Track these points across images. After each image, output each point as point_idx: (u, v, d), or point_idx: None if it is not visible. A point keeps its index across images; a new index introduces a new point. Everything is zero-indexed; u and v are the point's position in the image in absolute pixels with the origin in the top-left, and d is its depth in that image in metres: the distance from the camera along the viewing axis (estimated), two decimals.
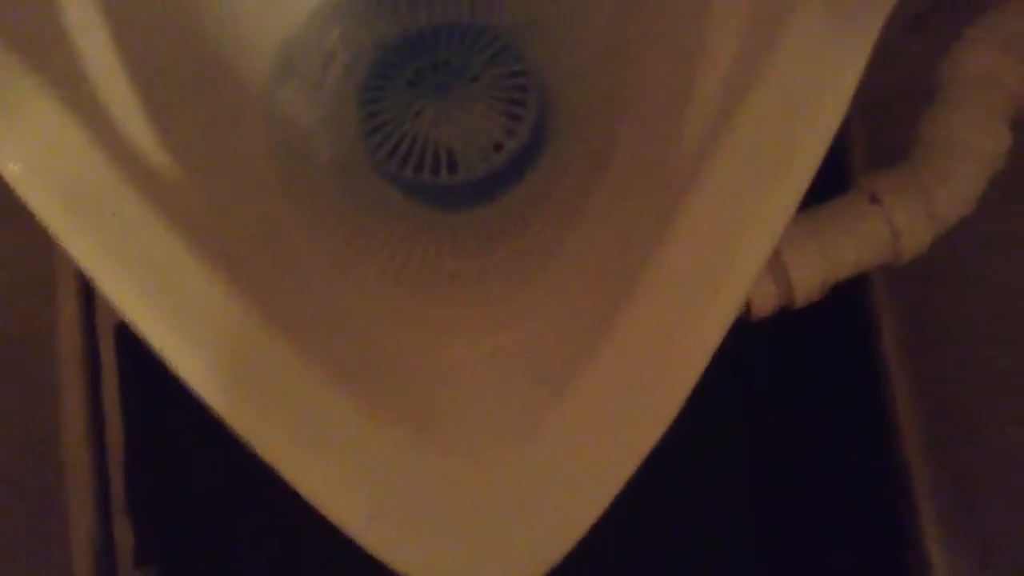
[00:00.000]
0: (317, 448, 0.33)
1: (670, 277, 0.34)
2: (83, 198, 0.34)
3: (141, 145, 0.37)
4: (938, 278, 0.78)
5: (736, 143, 0.34)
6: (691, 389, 0.33)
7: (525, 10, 0.48)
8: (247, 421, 0.34)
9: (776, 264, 0.62)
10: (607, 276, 0.39)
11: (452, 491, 0.33)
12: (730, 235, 0.34)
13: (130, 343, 0.95)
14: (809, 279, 0.61)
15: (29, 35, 0.34)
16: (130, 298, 0.35)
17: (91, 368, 0.92)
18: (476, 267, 0.45)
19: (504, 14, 0.48)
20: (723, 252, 0.34)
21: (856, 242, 0.61)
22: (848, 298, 0.90)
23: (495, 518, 0.32)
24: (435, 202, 0.48)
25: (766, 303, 0.63)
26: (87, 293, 0.95)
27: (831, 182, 0.62)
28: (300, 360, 0.34)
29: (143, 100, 0.38)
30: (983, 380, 0.74)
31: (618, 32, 0.46)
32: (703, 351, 0.34)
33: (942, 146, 0.59)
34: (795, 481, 0.89)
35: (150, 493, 0.91)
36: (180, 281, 0.34)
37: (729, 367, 0.91)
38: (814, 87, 0.34)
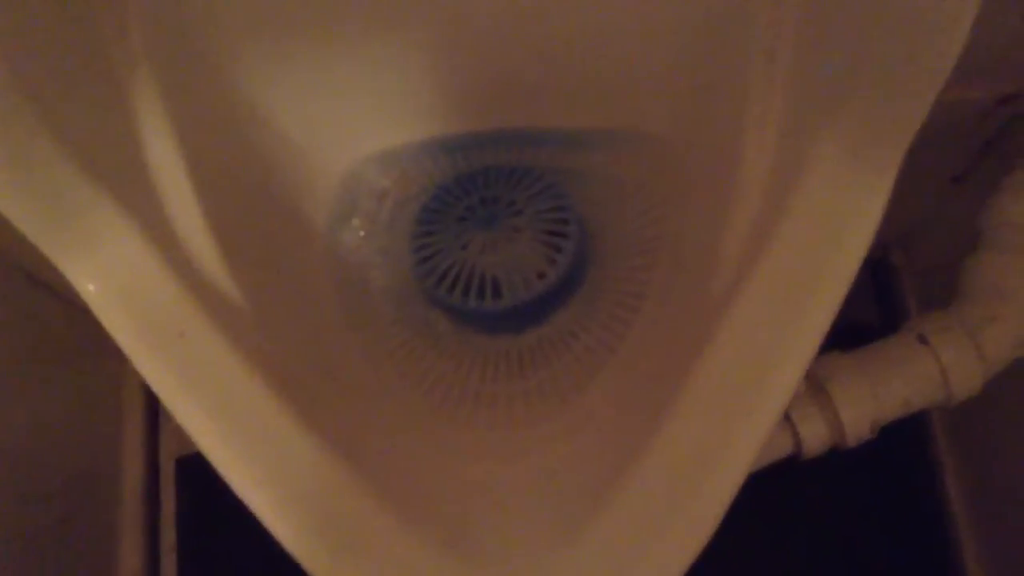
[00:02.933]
0: (358, 562, 0.34)
1: (703, 402, 0.35)
2: (153, 319, 0.37)
3: (210, 273, 0.40)
4: (998, 417, 0.77)
5: (764, 277, 0.36)
6: (726, 507, 0.34)
7: (567, 157, 0.52)
8: (288, 529, 0.35)
9: (826, 404, 0.62)
10: (641, 402, 0.40)
11: None
12: (761, 362, 0.35)
13: (189, 476, 0.97)
14: (859, 419, 0.61)
15: (113, 170, 0.38)
16: (191, 414, 0.36)
17: (150, 501, 0.95)
18: (518, 390, 0.47)
19: (549, 159, 0.52)
20: (755, 379, 0.35)
21: (906, 382, 0.61)
22: (908, 437, 0.89)
23: None
24: (480, 327, 0.50)
25: (817, 443, 0.63)
26: (152, 428, 0.98)
27: (886, 328, 0.63)
28: (345, 472, 0.35)
29: (214, 231, 0.41)
30: None
31: (654, 178, 0.48)
32: (737, 472, 0.34)
33: (986, 290, 0.60)
34: None
35: None
36: (239, 400, 0.36)
37: (790, 507, 0.90)
38: (839, 221, 0.36)
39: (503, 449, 0.44)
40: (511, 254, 0.49)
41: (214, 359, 0.37)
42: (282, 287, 0.46)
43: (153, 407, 0.97)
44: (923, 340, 0.60)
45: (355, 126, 0.52)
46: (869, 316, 0.97)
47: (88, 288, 0.37)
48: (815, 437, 0.61)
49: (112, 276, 0.37)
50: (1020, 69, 0.63)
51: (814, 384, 0.62)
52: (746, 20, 0.40)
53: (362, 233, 0.52)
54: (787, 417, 0.62)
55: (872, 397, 0.60)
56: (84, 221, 0.37)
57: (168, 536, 0.94)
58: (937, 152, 0.74)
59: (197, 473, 0.95)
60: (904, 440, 0.89)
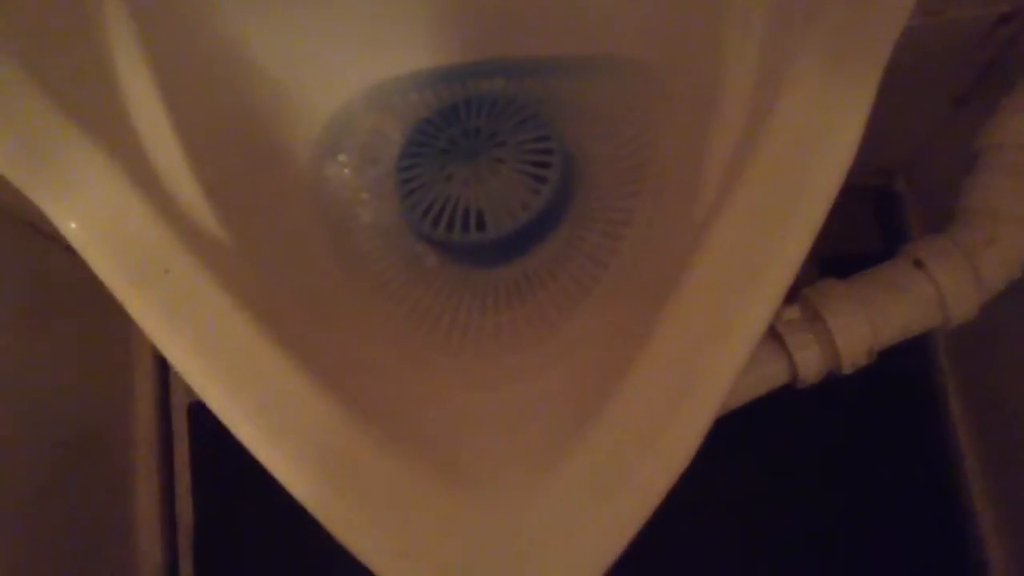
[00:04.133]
0: (346, 489, 0.35)
1: (683, 325, 0.35)
2: (137, 256, 0.37)
3: (193, 210, 0.41)
4: (1002, 338, 0.77)
5: (745, 199, 0.35)
6: (707, 427, 0.34)
7: (549, 86, 0.51)
8: (279, 460, 0.35)
9: (821, 331, 0.62)
10: (626, 327, 0.40)
11: (474, 528, 0.34)
12: (741, 284, 0.35)
13: (201, 422, 0.98)
14: (855, 345, 0.61)
15: (90, 108, 0.38)
16: (179, 350, 0.37)
17: (164, 448, 0.96)
18: (505, 320, 0.47)
19: (532, 89, 0.51)
20: (734, 301, 0.35)
21: (902, 307, 0.61)
22: (911, 361, 0.90)
23: (514, 554, 0.33)
24: (466, 260, 0.51)
25: (813, 370, 0.63)
26: (162, 376, 0.99)
27: (890, 253, 0.62)
28: (333, 404, 0.36)
29: (195, 169, 0.41)
30: None
31: (637, 105, 0.48)
32: (716, 392, 0.34)
33: (984, 212, 0.59)
34: (860, 547, 0.88)
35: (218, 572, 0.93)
36: (225, 335, 0.37)
37: (791, 435, 0.91)
38: (819, 138, 0.35)
39: (491, 378, 0.44)
40: (495, 186, 0.49)
41: (200, 295, 0.37)
42: (267, 224, 0.46)
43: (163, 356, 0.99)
44: (919, 264, 0.60)
45: (338, 62, 0.51)
46: (874, 246, 0.97)
47: (70, 226, 0.37)
48: (811, 364, 0.62)
49: (94, 214, 0.37)
50: None
51: (810, 311, 0.62)
52: None
53: (347, 170, 0.52)
54: (783, 345, 0.62)
55: (868, 322, 0.60)
56: (63, 160, 0.37)
57: (184, 479, 0.96)
58: (938, 74, 0.73)
59: (210, 418, 0.97)
60: (907, 364, 0.89)
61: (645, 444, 0.34)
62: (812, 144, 0.35)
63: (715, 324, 0.35)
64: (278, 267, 0.44)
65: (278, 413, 0.36)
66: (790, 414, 0.88)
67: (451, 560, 0.33)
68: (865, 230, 0.97)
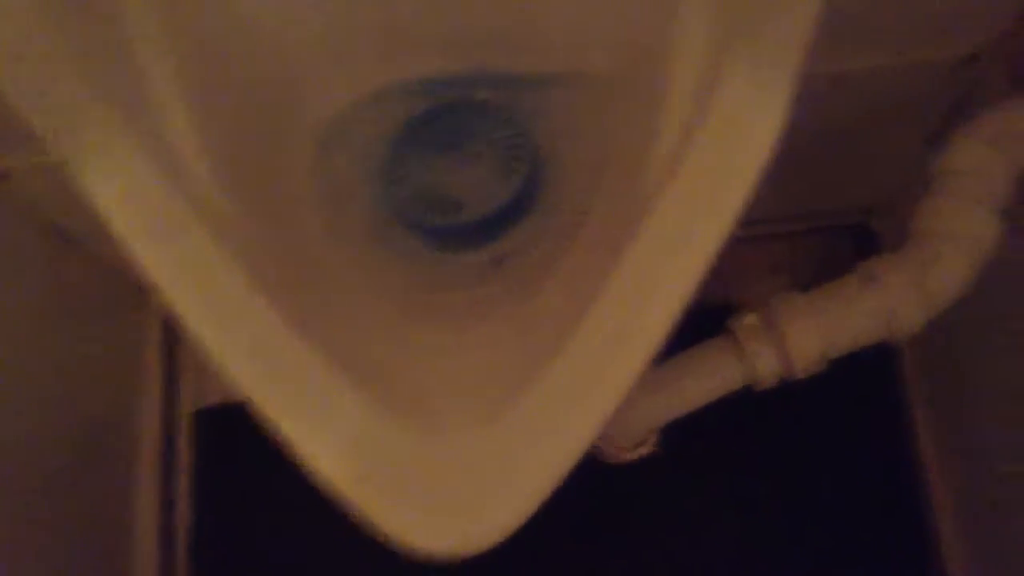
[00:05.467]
0: (317, 420, 0.39)
1: (623, 287, 0.40)
2: (155, 225, 0.42)
3: (206, 189, 0.46)
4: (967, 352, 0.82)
5: (682, 181, 0.41)
6: (637, 376, 0.39)
7: (526, 96, 0.58)
8: (248, 384, 0.39)
9: (776, 338, 0.66)
10: (580, 299, 0.45)
11: (429, 464, 0.38)
12: (675, 249, 0.40)
13: (205, 430, 1.01)
14: (807, 352, 0.65)
15: (119, 94, 0.44)
16: (179, 296, 0.41)
17: (167, 454, 0.99)
18: (479, 295, 0.53)
19: (510, 98, 0.58)
20: (669, 267, 0.40)
21: (852, 318, 0.66)
22: (878, 373, 0.95)
23: (464, 488, 0.38)
24: (445, 241, 0.56)
25: (767, 373, 0.67)
26: (169, 383, 1.02)
27: None
28: (310, 346, 0.40)
29: (211, 150, 0.46)
30: None
31: (600, 111, 0.54)
32: (648, 347, 0.39)
33: (931, 233, 0.64)
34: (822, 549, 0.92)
35: None
36: (221, 287, 0.41)
37: (757, 437, 0.95)
38: (745, 129, 0.41)
39: (453, 347, 0.49)
40: (471, 176, 0.55)
41: (205, 256, 0.42)
42: (274, 204, 0.51)
43: (171, 362, 1.02)
44: (872, 279, 0.65)
45: (344, 67, 0.57)
46: None
47: (101, 202, 0.42)
48: (766, 368, 0.66)
49: (120, 189, 0.42)
50: (975, 31, 0.67)
51: (767, 319, 0.67)
52: None
53: (348, 163, 0.57)
54: (741, 350, 0.67)
55: (820, 331, 0.64)
56: (94, 135, 0.42)
57: (184, 485, 0.99)
58: (910, 114, 0.77)
59: (213, 425, 1.00)
60: (873, 374, 0.95)
61: (578, 397, 0.39)
62: (740, 133, 0.41)
63: (650, 289, 0.40)
64: (274, 234, 0.49)
65: (263, 350, 0.40)
66: (757, 423, 0.92)
67: (405, 483, 0.38)
68: (844, 267, 1.02)
